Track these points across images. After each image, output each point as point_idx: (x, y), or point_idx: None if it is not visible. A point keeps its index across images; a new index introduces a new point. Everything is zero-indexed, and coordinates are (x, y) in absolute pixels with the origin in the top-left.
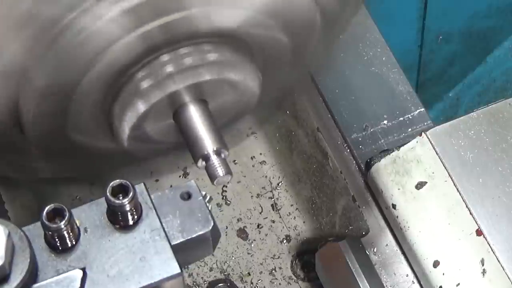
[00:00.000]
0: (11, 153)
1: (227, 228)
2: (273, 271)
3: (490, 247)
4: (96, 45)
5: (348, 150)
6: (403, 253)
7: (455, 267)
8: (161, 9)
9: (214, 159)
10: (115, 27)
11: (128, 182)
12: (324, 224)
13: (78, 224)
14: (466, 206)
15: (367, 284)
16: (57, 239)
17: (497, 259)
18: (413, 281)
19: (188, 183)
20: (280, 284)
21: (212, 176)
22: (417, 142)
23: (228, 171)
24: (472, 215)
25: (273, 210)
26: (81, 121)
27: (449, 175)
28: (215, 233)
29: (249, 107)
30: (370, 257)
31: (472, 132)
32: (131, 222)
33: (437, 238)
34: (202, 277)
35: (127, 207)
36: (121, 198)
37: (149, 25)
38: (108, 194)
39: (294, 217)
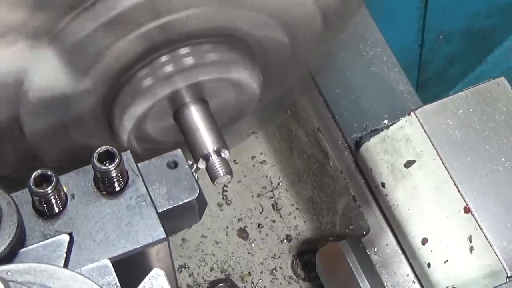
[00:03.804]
0: (12, 153)
1: (227, 228)
2: (274, 270)
3: (478, 224)
4: (96, 46)
5: (349, 150)
6: (404, 252)
7: (443, 244)
8: (160, 9)
9: (215, 159)
10: (115, 27)
11: (114, 149)
12: (325, 224)
13: (65, 191)
14: (454, 184)
15: (368, 284)
16: (44, 205)
17: (485, 236)
18: (413, 281)
19: (175, 152)
20: (280, 283)
21: (212, 176)
22: (406, 121)
23: (229, 171)
24: (460, 192)
25: (274, 209)
26: (81, 121)
27: (437, 153)
28: (201, 201)
29: (249, 106)
30: (371, 256)
31: (461, 111)
32: (117, 189)
33: (426, 215)
34: (202, 277)
35: (113, 173)
36: (107, 164)
37: (149, 25)
38: (94, 160)
39: (295, 217)
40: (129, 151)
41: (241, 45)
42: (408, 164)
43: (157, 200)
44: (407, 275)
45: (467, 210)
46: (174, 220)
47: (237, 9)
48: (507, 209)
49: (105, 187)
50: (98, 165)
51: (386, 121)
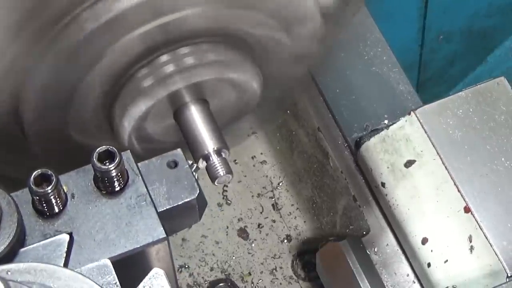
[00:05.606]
0: (12, 153)
1: (227, 227)
2: (274, 270)
3: (478, 224)
4: (96, 45)
5: (349, 150)
6: (404, 252)
7: (443, 244)
8: (160, 9)
9: (215, 158)
10: (115, 27)
11: (114, 148)
12: (325, 224)
13: (65, 190)
14: (454, 184)
15: (368, 284)
16: (44, 204)
17: (485, 235)
18: (413, 281)
19: (175, 152)
20: (280, 283)
21: (212, 176)
22: (406, 121)
23: (229, 171)
24: (460, 192)
25: (274, 209)
26: (82, 121)
27: (437, 153)
28: (201, 201)
29: (249, 106)
30: (371, 256)
31: (461, 111)
32: (117, 188)
33: (426, 215)
34: (203, 277)
35: (113, 173)
36: (107, 164)
37: (149, 25)
38: (94, 160)
39: (295, 217)
40: (129, 150)
41: (241, 45)
42: (408, 164)
43: (157, 200)
44: (407, 275)
45: (467, 210)
46: (174, 219)
47: (236, 8)
48: (507, 209)
49: (105, 186)
50: (98, 164)
51: (386, 121)
